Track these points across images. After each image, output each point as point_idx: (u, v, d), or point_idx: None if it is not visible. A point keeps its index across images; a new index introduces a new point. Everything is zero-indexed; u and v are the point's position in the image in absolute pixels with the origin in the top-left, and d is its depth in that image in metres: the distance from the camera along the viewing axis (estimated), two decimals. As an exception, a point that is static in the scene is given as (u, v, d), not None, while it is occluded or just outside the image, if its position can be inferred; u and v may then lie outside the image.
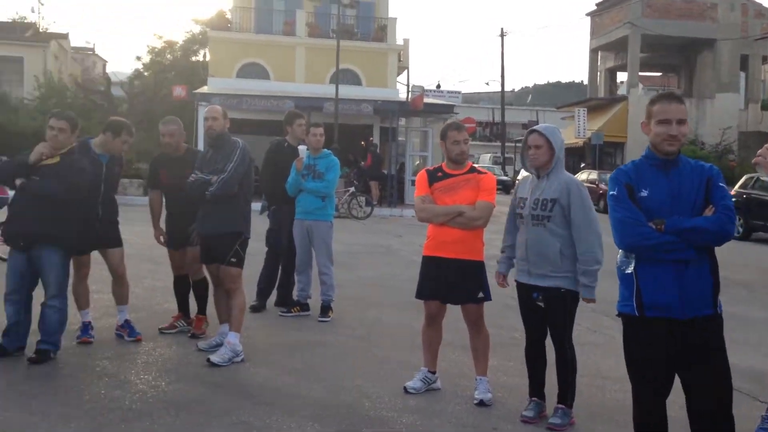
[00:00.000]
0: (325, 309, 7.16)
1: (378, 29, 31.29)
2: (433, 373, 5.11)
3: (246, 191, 5.84)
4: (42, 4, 60.54)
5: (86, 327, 5.92)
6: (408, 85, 30.81)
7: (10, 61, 39.96)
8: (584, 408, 4.74)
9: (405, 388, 5.00)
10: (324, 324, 6.97)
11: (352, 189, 20.53)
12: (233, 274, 5.69)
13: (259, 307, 7.36)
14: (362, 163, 24.04)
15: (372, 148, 24.42)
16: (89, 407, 4.43)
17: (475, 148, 55.28)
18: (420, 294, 5.05)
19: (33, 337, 5.42)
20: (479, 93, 72.29)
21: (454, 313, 5.10)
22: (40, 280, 5.44)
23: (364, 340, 6.46)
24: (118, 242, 6.06)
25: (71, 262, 5.66)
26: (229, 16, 31.51)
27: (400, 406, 4.73)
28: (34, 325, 5.43)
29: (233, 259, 5.68)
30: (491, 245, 5.44)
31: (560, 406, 4.51)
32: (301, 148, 7.13)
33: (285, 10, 31.23)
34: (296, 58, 30.05)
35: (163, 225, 6.41)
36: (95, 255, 6.02)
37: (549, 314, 4.52)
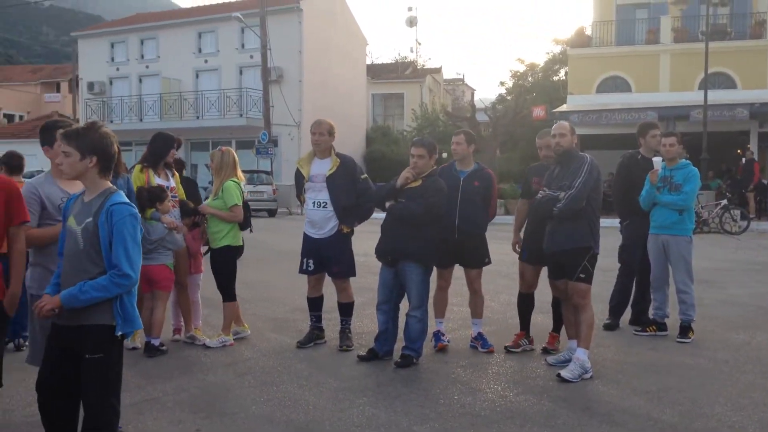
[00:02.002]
0: (685, 329, 6.69)
1: (755, 25, 28.25)
2: (812, 407, 4.45)
3: (594, 206, 5.75)
4: (419, 44, 66.94)
5: (437, 335, 6.38)
6: (795, 83, 27.15)
7: (393, 98, 44.99)
8: None
9: (775, 422, 4.44)
10: (683, 345, 6.51)
11: (725, 201, 18.77)
12: (582, 290, 5.64)
13: (612, 326, 7.15)
14: (733, 169, 21.87)
15: (749, 156, 22.07)
16: (443, 410, 4.78)
17: None
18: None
19: (399, 344, 6.02)
20: None
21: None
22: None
23: (729, 365, 5.88)
24: (477, 262, 6.38)
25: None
26: (588, 32, 31.30)
27: (768, 441, 4.22)
28: (401, 333, 6.04)
29: (582, 275, 5.63)
30: None
31: None
32: (656, 159, 6.79)
33: (648, 18, 30.00)
34: (660, 66, 28.56)
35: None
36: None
37: None
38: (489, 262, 6.50)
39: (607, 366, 5.82)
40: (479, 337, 6.39)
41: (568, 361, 5.65)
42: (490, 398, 5.03)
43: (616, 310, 7.27)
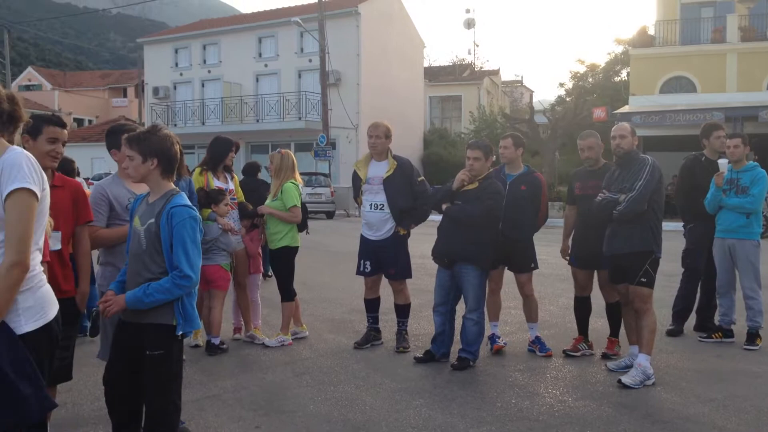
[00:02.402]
0: (752, 336, 6.48)
1: (830, 21, 27.22)
2: None
3: (656, 209, 5.63)
4: (477, 46, 66.63)
5: (492, 338, 6.35)
6: None
7: (451, 100, 44.93)
8: None
9: None
10: (749, 352, 6.31)
11: (797, 205, 18.07)
12: (643, 295, 5.52)
13: (675, 332, 6.97)
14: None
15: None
16: (500, 413, 4.74)
17: None
18: None
19: (456, 346, 6.01)
20: None
21: None
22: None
23: (799, 374, 5.67)
24: (524, 267, 6.32)
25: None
26: (651, 31, 30.63)
27: (841, 454, 4.05)
28: (457, 335, 6.03)
29: (643, 279, 5.51)
30: None
31: None
32: (722, 161, 6.61)
33: (714, 17, 29.19)
34: (727, 66, 27.74)
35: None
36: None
37: None
38: (535, 267, 6.42)
39: (670, 372, 5.68)
40: (536, 341, 6.32)
41: (629, 366, 5.55)
42: (548, 403, 4.97)
43: (679, 316, 7.09)
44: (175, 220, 3.36)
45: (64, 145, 3.93)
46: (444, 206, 6.00)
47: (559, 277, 9.87)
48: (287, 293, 6.66)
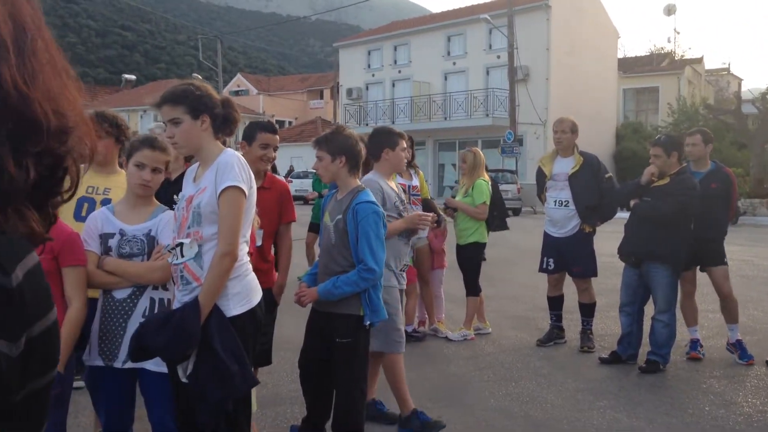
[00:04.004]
0: None
1: None
2: None
3: None
4: (678, 33, 62.60)
5: (694, 344, 6.00)
6: None
7: (647, 92, 42.63)
8: None
9: None
10: None
11: None
12: None
13: None
14: None
15: None
16: (690, 421, 4.52)
17: None
18: None
19: (644, 348, 5.79)
20: None
21: None
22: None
23: None
24: (717, 261, 5.95)
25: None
26: None
27: None
28: (645, 337, 5.80)
29: None
30: None
31: None
32: None
33: None
34: None
35: None
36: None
37: None
38: (727, 264, 6.00)
39: None
40: (738, 346, 5.89)
41: (843, 380, 5.05)
42: (746, 413, 4.65)
43: None
44: (359, 216, 3.59)
45: (275, 150, 4.27)
46: (632, 202, 5.81)
47: (766, 280, 9.11)
48: (473, 288, 6.76)
